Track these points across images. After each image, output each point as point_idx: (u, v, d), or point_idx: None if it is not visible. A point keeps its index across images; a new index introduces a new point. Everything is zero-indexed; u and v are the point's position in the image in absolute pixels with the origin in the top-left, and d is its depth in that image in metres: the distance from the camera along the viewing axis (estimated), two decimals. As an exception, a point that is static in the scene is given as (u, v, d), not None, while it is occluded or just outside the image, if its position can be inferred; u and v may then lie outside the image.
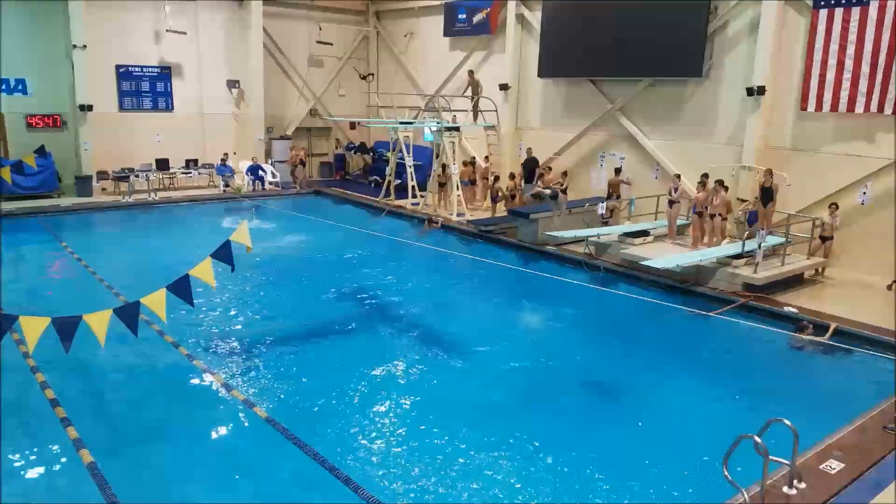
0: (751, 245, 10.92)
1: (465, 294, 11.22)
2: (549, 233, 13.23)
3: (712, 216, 12.09)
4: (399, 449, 6.18)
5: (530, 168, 16.15)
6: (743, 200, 12.39)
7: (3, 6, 16.62)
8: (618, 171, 15.24)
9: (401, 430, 6.54)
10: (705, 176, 12.58)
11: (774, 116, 13.18)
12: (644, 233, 13.03)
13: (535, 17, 17.51)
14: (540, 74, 17.38)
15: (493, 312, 10.21)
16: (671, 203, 12.91)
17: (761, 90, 12.89)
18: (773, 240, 11.50)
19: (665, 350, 9.02)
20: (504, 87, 18.38)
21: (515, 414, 6.98)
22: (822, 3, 11.99)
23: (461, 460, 5.99)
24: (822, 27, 12.06)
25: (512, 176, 16.65)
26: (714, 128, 14.28)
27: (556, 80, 17.45)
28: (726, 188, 12.20)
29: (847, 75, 11.81)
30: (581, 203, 14.98)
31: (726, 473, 4.75)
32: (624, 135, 16.06)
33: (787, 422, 4.99)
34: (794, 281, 11.29)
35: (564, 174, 15.89)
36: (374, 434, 6.43)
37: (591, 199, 15.44)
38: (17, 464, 5.81)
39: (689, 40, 14.00)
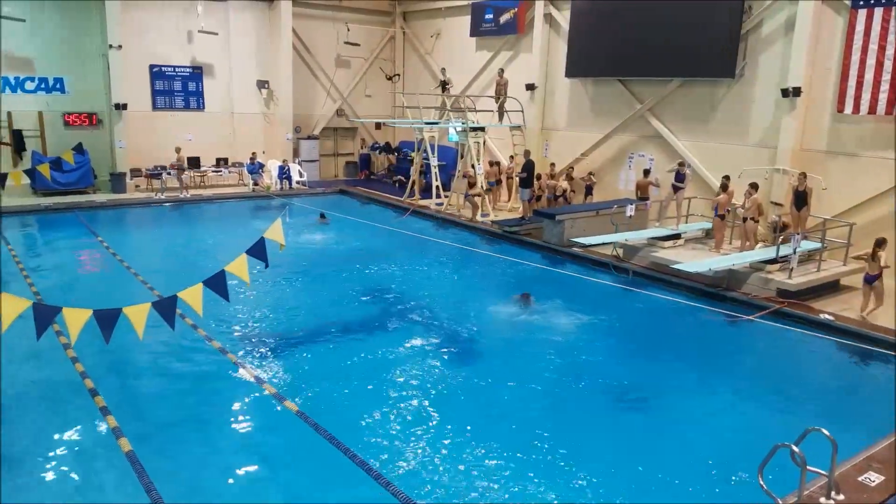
0: (785, 250, 10.70)
1: (490, 295, 11.20)
2: (574, 238, 13.05)
3: (745, 220, 11.87)
4: (428, 449, 6.19)
5: (529, 171, 15.82)
6: (776, 204, 12.14)
7: (42, 7, 17.13)
8: (646, 172, 15.04)
9: (430, 430, 6.55)
10: (727, 178, 12.36)
11: (809, 118, 12.89)
12: (675, 236, 12.86)
13: (563, 17, 17.40)
14: (567, 74, 17.28)
15: (518, 314, 10.17)
16: (676, 189, 12.72)
17: (797, 91, 12.63)
18: (808, 245, 11.26)
19: (697, 355, 8.89)
20: (531, 87, 18.31)
21: (541, 417, 6.93)
22: (862, 2, 11.70)
23: (487, 461, 5.98)
24: (860, 27, 11.77)
25: (539, 177, 16.57)
26: (747, 129, 14.03)
27: (583, 80, 17.32)
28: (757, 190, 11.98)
29: (886, 77, 11.50)
30: (608, 205, 14.83)
31: (762, 483, 4.66)
32: (653, 135, 15.87)
33: (825, 431, 4.89)
34: (830, 287, 11.03)
35: (571, 177, 16.57)
36: (404, 432, 6.45)
37: (618, 200, 15.27)
38: (58, 450, 5.96)
39: (722, 40, 13.78)
